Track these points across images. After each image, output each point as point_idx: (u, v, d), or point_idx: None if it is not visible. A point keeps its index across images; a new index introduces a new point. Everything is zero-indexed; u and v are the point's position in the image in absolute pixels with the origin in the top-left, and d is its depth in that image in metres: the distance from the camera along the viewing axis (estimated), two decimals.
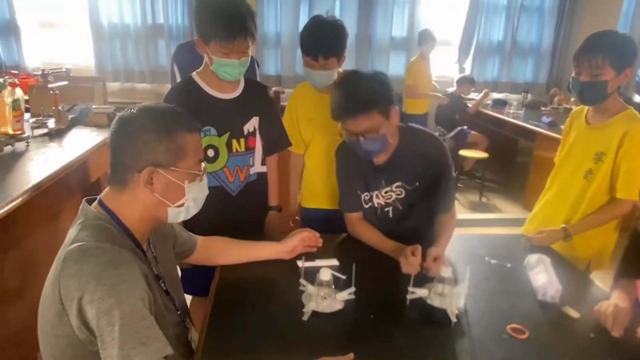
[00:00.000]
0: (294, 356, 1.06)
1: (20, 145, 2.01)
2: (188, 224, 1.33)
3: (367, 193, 1.66)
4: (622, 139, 1.62)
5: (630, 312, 1.22)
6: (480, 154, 4.66)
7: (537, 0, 5.46)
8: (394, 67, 5.34)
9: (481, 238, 1.84)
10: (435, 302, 1.23)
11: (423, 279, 1.33)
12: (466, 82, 5.04)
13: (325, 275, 1.23)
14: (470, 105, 5.01)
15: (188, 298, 1.54)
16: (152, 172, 1.01)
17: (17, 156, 1.92)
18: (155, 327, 0.93)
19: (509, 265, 1.54)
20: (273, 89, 4.19)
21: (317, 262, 1.41)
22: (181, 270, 1.58)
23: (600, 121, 1.71)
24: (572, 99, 4.94)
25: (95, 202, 1.05)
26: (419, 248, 1.39)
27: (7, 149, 1.96)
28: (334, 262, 1.46)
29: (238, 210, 1.71)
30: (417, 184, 1.60)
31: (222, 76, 1.60)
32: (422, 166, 1.58)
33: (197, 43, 1.60)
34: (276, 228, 1.91)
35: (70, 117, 2.47)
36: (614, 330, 1.18)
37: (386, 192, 1.64)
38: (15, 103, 2.01)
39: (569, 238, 1.69)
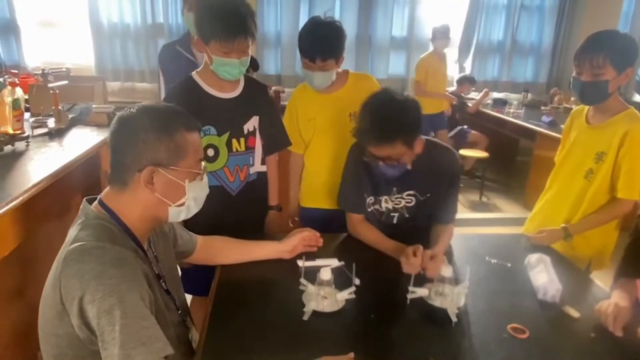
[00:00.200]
0: (294, 355, 1.06)
1: (20, 145, 2.01)
2: (188, 224, 1.33)
3: (372, 197, 1.65)
4: (623, 139, 1.62)
5: (630, 312, 1.22)
6: (481, 154, 4.66)
7: None
8: (394, 66, 5.34)
9: (481, 237, 1.84)
10: (436, 301, 1.23)
11: (423, 279, 1.33)
12: (466, 82, 5.05)
13: (326, 274, 1.23)
14: (470, 104, 5.02)
15: (188, 297, 1.54)
16: (153, 171, 1.01)
17: (17, 156, 1.92)
18: (156, 326, 0.93)
19: (509, 264, 1.54)
20: (273, 88, 4.19)
21: (318, 262, 1.41)
22: (181, 269, 1.58)
23: (601, 121, 1.71)
24: (572, 99, 4.94)
25: (96, 202, 1.05)
26: (420, 248, 1.39)
27: (7, 148, 1.95)
28: (335, 261, 1.46)
29: (238, 210, 1.71)
30: (429, 194, 1.61)
31: (222, 76, 1.60)
32: (436, 178, 1.57)
33: (196, 42, 1.60)
34: (276, 227, 1.91)
35: (70, 116, 2.47)
36: (615, 330, 1.18)
37: (396, 198, 1.63)
38: (15, 102, 2.01)
39: (570, 238, 1.69)
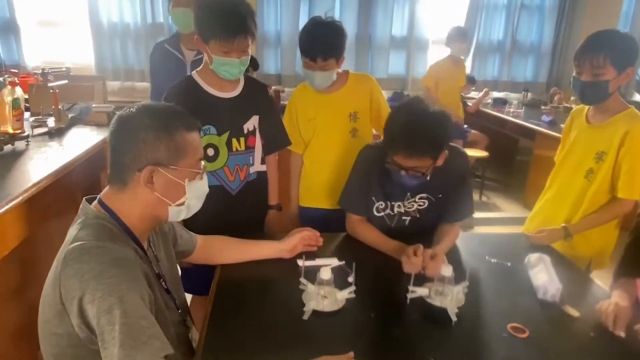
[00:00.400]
0: (294, 355, 1.06)
1: (20, 144, 2.01)
2: (188, 223, 1.33)
3: (382, 202, 1.63)
4: (624, 139, 1.62)
5: (630, 311, 1.22)
6: (481, 153, 4.65)
7: None
8: (394, 66, 5.33)
9: (481, 237, 1.85)
10: (436, 301, 1.24)
11: (423, 278, 1.33)
12: (466, 81, 5.04)
13: (326, 274, 1.23)
14: (470, 104, 5.01)
15: (188, 297, 1.54)
16: (152, 171, 1.01)
17: (17, 155, 1.91)
18: (156, 326, 0.93)
19: (509, 264, 1.54)
20: (273, 88, 4.19)
21: (318, 261, 1.41)
22: (181, 269, 1.58)
23: (601, 120, 1.71)
24: (572, 98, 4.93)
25: (96, 201, 1.05)
26: (421, 247, 1.39)
27: (7, 147, 1.95)
28: (335, 261, 1.46)
29: (238, 209, 1.71)
30: (441, 195, 1.61)
31: (222, 75, 1.60)
32: (447, 179, 1.57)
33: (196, 42, 1.60)
34: (276, 227, 1.91)
35: (70, 116, 2.47)
36: (615, 329, 1.18)
37: (409, 203, 1.63)
38: (15, 102, 2.00)
39: (570, 237, 1.69)
